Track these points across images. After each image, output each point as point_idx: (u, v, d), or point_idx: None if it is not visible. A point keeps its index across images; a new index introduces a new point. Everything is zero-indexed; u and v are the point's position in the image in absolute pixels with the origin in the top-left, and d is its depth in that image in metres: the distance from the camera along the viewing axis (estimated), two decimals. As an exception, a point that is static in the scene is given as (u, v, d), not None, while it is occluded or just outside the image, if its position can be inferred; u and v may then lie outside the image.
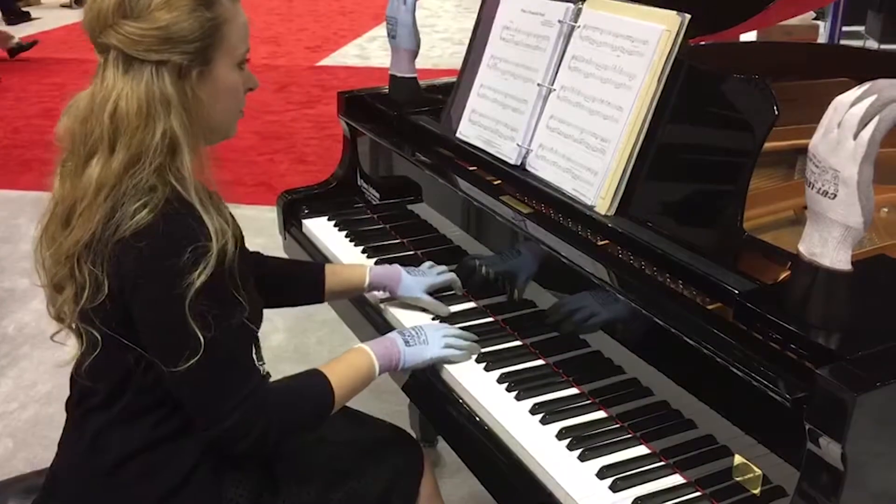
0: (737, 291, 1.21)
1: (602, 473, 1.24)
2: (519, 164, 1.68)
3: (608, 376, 1.39)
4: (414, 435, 2.48)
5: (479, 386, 1.45)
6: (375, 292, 1.73)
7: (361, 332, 1.79)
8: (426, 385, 1.54)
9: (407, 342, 1.47)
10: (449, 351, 1.50)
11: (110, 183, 1.16)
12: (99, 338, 1.21)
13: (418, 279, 1.69)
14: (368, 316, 1.75)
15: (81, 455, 1.29)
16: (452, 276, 1.73)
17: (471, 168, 1.80)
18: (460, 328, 1.58)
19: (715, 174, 1.37)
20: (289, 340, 2.99)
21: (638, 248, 1.40)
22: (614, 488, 1.22)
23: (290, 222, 2.14)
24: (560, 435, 1.32)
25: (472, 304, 1.71)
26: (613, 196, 1.46)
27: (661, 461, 1.27)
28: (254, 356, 1.30)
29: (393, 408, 2.45)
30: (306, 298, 1.69)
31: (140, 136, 1.16)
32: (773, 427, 1.12)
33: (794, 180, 1.73)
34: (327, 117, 5.24)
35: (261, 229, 3.83)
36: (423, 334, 1.49)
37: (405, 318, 1.67)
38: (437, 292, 1.71)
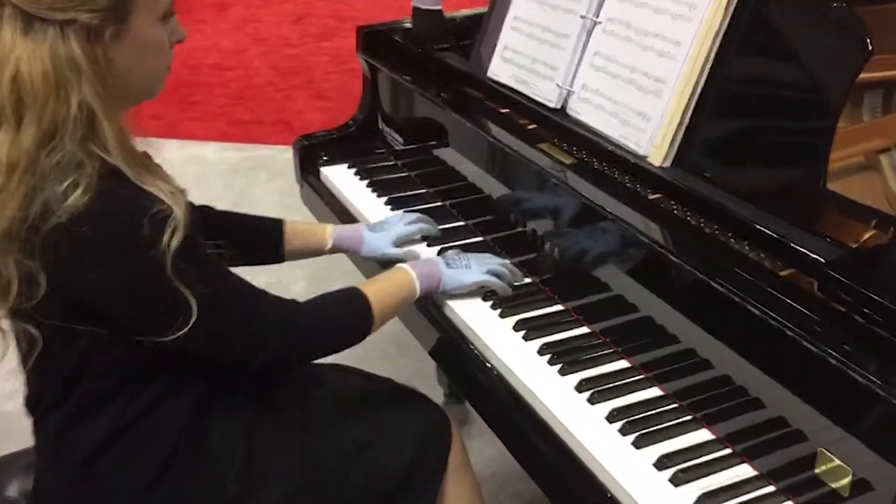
0: (824, 260, 1.05)
1: (661, 463, 1.10)
2: (559, 107, 1.50)
3: (662, 346, 1.25)
4: (442, 391, 2.39)
5: (517, 358, 1.31)
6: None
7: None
8: (457, 355, 1.40)
9: (448, 265, 1.43)
10: (489, 277, 1.43)
11: (23, 163, 1.02)
12: (37, 335, 1.11)
13: (383, 234, 1.59)
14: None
15: (50, 458, 1.20)
16: (422, 226, 1.62)
17: (503, 111, 1.62)
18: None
19: (792, 120, 1.20)
20: (309, 290, 2.85)
21: (698, 203, 1.24)
22: (676, 481, 1.08)
23: (308, 170, 1.99)
24: (611, 417, 1.18)
25: (506, 262, 1.55)
26: (670, 145, 1.28)
27: (726, 448, 1.13)
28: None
29: (417, 364, 2.33)
30: (265, 258, 1.58)
31: (52, 109, 1.02)
32: (863, 417, 0.97)
33: (862, 121, 1.55)
34: (346, 51, 5.01)
35: (279, 171, 3.68)
36: (465, 259, 1.45)
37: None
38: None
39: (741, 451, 1.12)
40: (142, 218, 1.03)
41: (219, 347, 1.16)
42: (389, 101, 1.97)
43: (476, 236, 1.64)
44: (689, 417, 1.18)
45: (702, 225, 1.23)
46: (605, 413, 1.19)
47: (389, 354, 2.43)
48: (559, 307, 1.42)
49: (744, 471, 1.10)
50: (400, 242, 1.59)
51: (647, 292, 1.26)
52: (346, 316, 1.28)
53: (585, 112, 1.45)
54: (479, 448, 2.09)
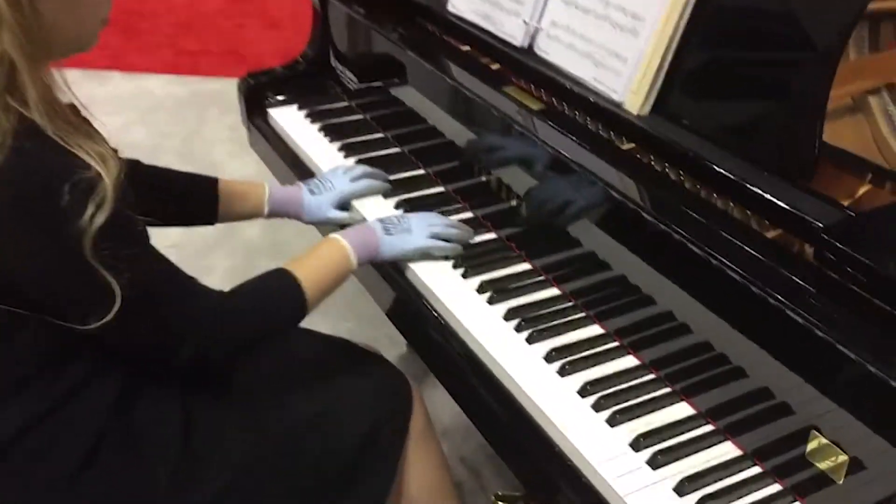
0: (815, 221, 0.95)
1: (637, 444, 1.01)
2: (526, 46, 1.37)
3: (636, 309, 1.15)
4: (404, 341, 2.29)
5: (481, 325, 1.20)
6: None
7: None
8: (416, 319, 1.30)
9: (387, 230, 1.29)
10: (434, 242, 1.30)
11: None
12: None
13: (325, 196, 1.46)
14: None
15: None
16: (370, 183, 1.49)
17: (465, 49, 1.49)
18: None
19: (787, 64, 1.08)
20: (264, 235, 2.72)
21: (678, 156, 1.13)
22: (654, 464, 0.99)
23: (255, 112, 1.84)
24: (584, 391, 1.09)
25: (468, 215, 1.44)
26: (648, 91, 1.17)
27: (707, 424, 1.05)
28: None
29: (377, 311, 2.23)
30: (197, 219, 1.45)
31: None
32: (852, 390, 0.89)
33: (849, 59, 1.44)
34: (300, -25, 4.77)
35: (231, 106, 3.46)
36: (406, 222, 1.31)
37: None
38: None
39: (724, 427, 1.04)
40: (62, 184, 0.90)
41: (134, 341, 1.03)
42: (342, 37, 1.82)
43: (436, 186, 1.52)
44: (667, 390, 1.09)
45: (682, 180, 1.13)
46: (577, 387, 1.09)
47: (348, 294, 2.32)
48: (526, 266, 1.31)
49: (727, 450, 1.02)
50: (345, 202, 1.47)
51: (621, 250, 1.16)
52: (276, 305, 1.15)
53: (554, 52, 1.32)
54: (441, 400, 2.01)
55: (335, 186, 1.46)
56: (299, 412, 1.21)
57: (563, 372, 1.11)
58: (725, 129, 1.11)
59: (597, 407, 1.06)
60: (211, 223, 1.44)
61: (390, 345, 2.33)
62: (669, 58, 1.15)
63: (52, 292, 0.96)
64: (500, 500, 1.80)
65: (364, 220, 1.43)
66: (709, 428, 1.04)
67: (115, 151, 0.99)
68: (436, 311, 1.26)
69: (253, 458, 1.15)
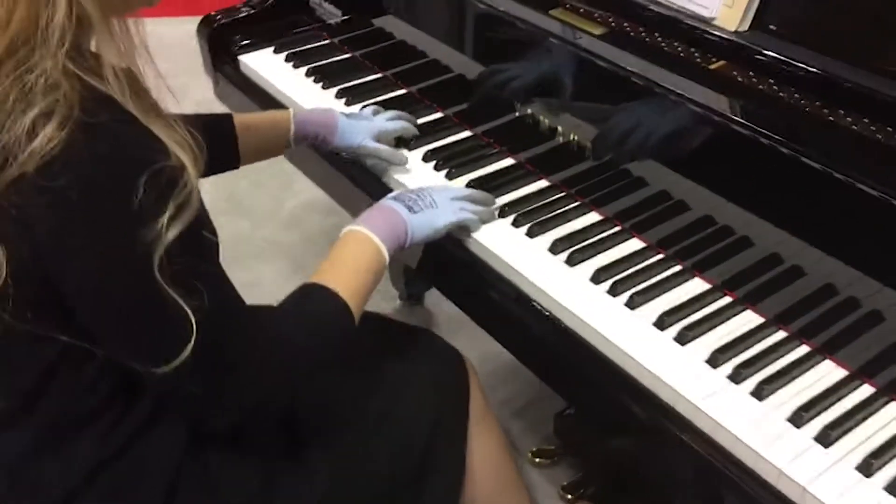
0: None
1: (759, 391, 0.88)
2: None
3: (739, 252, 1.02)
4: (397, 293, 2.12)
5: (565, 290, 1.03)
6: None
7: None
8: (469, 278, 1.12)
9: (411, 208, 1.07)
10: (465, 214, 1.11)
11: None
12: None
13: (362, 123, 1.27)
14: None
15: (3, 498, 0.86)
16: (404, 124, 1.30)
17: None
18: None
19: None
20: (217, 189, 2.46)
21: (790, 75, 0.98)
22: (797, 422, 0.86)
23: (222, 59, 1.59)
24: (714, 360, 0.94)
25: (510, 161, 1.26)
26: (748, 3, 1.00)
27: (854, 379, 0.92)
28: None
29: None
30: (217, 164, 1.20)
31: (26, 9, 0.69)
32: None
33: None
34: None
35: (186, 53, 3.14)
36: (427, 196, 1.10)
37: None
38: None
39: (858, 369, 0.92)
40: (138, 175, 0.71)
41: (190, 383, 0.82)
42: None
43: (462, 130, 1.33)
44: (808, 349, 0.96)
45: (792, 100, 0.98)
46: (706, 356, 0.94)
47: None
48: (596, 216, 1.15)
49: (866, 392, 0.90)
50: (379, 139, 1.27)
51: (706, 191, 1.02)
52: (329, 333, 0.94)
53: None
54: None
55: (372, 119, 1.28)
56: (366, 421, 1.05)
57: (682, 339, 0.97)
58: (845, 38, 0.96)
59: (735, 377, 0.92)
60: (235, 166, 1.24)
61: (382, 299, 2.16)
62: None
63: (112, 320, 0.76)
64: (538, 456, 1.71)
65: (404, 160, 1.26)
66: (842, 373, 0.92)
67: (201, 145, 0.77)
68: (506, 280, 1.09)
69: (330, 482, 0.98)
